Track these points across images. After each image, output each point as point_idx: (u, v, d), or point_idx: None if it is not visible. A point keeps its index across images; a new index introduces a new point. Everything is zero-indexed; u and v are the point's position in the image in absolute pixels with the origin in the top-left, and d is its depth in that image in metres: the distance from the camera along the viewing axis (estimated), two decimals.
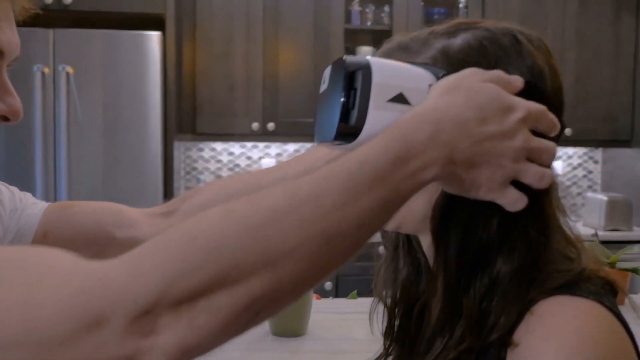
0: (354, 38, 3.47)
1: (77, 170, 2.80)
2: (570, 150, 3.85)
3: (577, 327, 0.56)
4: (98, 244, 0.83)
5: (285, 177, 0.81)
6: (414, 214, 0.66)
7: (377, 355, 0.79)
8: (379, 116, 0.59)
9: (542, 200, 0.63)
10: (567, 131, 3.31)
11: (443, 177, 0.55)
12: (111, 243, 0.83)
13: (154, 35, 2.82)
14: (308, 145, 3.67)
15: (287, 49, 3.32)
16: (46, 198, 2.76)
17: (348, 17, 3.42)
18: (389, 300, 0.76)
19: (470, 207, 0.61)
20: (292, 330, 1.25)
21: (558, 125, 0.59)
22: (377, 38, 3.51)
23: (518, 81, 0.59)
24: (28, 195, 0.84)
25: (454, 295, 0.61)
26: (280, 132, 3.32)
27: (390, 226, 0.69)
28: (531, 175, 0.56)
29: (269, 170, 0.90)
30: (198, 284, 0.45)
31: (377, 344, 0.81)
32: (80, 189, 2.80)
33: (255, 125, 3.29)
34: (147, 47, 2.83)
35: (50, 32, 2.76)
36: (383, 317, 0.78)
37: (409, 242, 0.75)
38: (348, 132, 0.60)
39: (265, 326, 1.27)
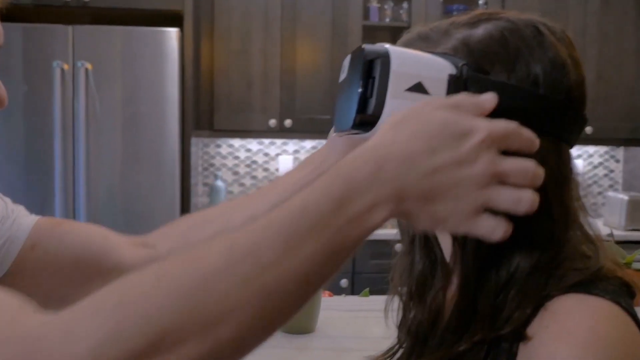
0: (372, 35, 3.45)
1: (95, 166, 2.81)
2: (591, 148, 3.80)
3: (592, 326, 0.55)
4: (82, 266, 0.81)
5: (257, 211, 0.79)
6: None
7: (390, 347, 0.80)
8: (397, 105, 0.59)
9: (564, 197, 0.62)
10: (588, 129, 3.27)
11: (399, 216, 0.52)
12: (95, 266, 0.81)
13: (172, 32, 2.83)
14: (324, 142, 3.65)
15: (305, 46, 3.31)
16: (65, 193, 2.78)
17: (366, 13, 3.40)
18: (404, 293, 0.77)
19: None
20: (300, 327, 1.25)
21: (536, 141, 0.55)
22: (396, 35, 3.47)
23: (489, 101, 0.55)
24: (21, 207, 0.84)
25: (470, 288, 0.61)
26: (297, 129, 3.32)
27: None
28: (504, 201, 0.52)
29: (248, 200, 0.86)
30: (132, 350, 0.43)
31: (385, 342, 0.81)
32: (99, 185, 2.82)
33: (272, 122, 3.29)
34: (165, 43, 2.83)
35: (69, 29, 2.78)
36: (398, 309, 0.78)
37: (426, 236, 0.75)
38: (366, 120, 0.60)
39: None
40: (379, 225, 0.51)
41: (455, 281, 0.64)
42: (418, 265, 0.76)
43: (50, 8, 2.95)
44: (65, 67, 2.77)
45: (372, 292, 1.63)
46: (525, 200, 0.52)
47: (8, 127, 2.78)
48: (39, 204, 2.80)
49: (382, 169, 0.50)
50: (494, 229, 0.52)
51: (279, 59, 3.29)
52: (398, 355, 0.78)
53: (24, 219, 0.82)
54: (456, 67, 0.61)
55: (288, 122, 3.29)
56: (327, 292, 1.61)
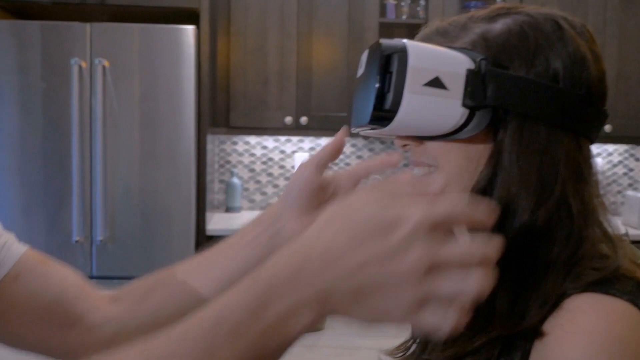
0: (388, 32, 3.44)
1: (112, 162, 2.83)
2: (610, 147, 3.76)
3: (607, 327, 0.55)
4: (54, 310, 0.79)
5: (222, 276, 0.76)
6: None
7: (404, 342, 0.79)
8: (415, 100, 0.59)
9: (583, 192, 0.62)
10: (607, 127, 3.23)
11: (330, 315, 0.49)
12: (64, 313, 0.79)
13: (189, 29, 2.84)
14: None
15: (321, 43, 3.31)
16: (82, 190, 2.80)
17: (383, 10, 3.39)
18: None
19: (509, 196, 0.61)
20: None
21: (492, 217, 0.48)
22: (413, 32, 3.44)
23: (436, 182, 0.48)
24: (12, 235, 0.83)
25: None
26: (313, 126, 3.32)
27: None
28: (447, 291, 0.45)
29: (205, 262, 0.84)
30: None
31: (395, 341, 0.80)
32: (115, 182, 2.84)
33: (288, 119, 3.29)
34: (181, 41, 2.84)
35: (87, 26, 2.80)
36: None
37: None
38: (383, 116, 0.60)
39: None
40: (303, 332, 0.47)
41: None
42: None
43: (69, 6, 2.97)
44: (83, 64, 2.78)
45: None
46: (471, 288, 0.45)
47: (26, 124, 2.81)
48: (57, 201, 2.82)
49: (302, 271, 0.46)
50: (440, 325, 0.46)
51: (295, 56, 3.29)
52: (412, 350, 0.77)
53: (14, 246, 0.80)
54: (474, 61, 0.61)
55: (304, 120, 3.29)
56: None
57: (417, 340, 0.77)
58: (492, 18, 0.65)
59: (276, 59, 3.29)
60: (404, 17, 3.45)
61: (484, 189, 0.63)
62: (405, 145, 0.70)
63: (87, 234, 2.84)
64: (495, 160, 0.62)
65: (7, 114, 2.80)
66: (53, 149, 2.82)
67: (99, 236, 2.83)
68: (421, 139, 0.67)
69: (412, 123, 0.62)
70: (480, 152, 0.63)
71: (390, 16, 3.42)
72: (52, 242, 2.84)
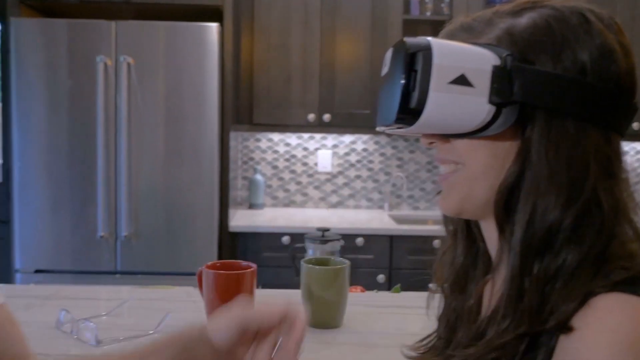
0: (412, 29, 3.41)
1: (136, 159, 2.86)
2: (639, 145, 3.69)
3: (633, 327, 0.54)
4: None
5: None
6: (476, 200, 0.66)
7: (427, 335, 0.80)
8: (440, 98, 0.59)
9: (613, 187, 0.61)
10: (635, 125, 3.17)
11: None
12: None
13: (213, 27, 2.85)
14: (364, 137, 3.65)
15: (344, 40, 3.30)
16: (107, 186, 2.83)
17: (407, 7, 3.37)
18: (445, 286, 0.77)
19: (538, 193, 0.60)
20: (327, 322, 1.25)
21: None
22: (437, 28, 3.41)
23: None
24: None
25: (517, 281, 0.60)
26: (335, 124, 3.31)
27: (451, 212, 0.69)
28: None
29: None
30: None
31: (412, 339, 0.80)
32: (140, 178, 2.86)
33: (311, 117, 3.29)
34: (205, 38, 2.85)
35: (112, 24, 2.82)
36: (439, 302, 0.79)
37: (468, 228, 0.75)
38: (408, 115, 0.60)
39: None
40: None
41: (500, 273, 0.63)
42: (459, 258, 0.76)
43: (95, 4, 3.00)
44: (109, 62, 2.81)
45: (408, 289, 1.61)
46: None
47: (54, 121, 2.84)
48: (82, 197, 2.86)
49: None
50: None
51: (319, 53, 3.29)
52: (434, 343, 0.78)
53: None
54: (500, 57, 0.60)
55: (327, 117, 3.29)
56: (359, 288, 1.60)
57: (441, 336, 0.76)
58: (518, 12, 0.64)
59: (299, 56, 3.29)
60: (428, 13, 3.42)
61: (511, 186, 0.62)
62: (431, 143, 0.69)
63: (111, 230, 2.87)
64: (523, 157, 0.61)
65: (36, 111, 2.84)
66: (79, 146, 2.86)
67: (124, 232, 2.86)
68: (447, 136, 0.66)
69: (438, 121, 0.61)
70: (508, 149, 0.62)
71: (414, 13, 3.40)
72: (78, 238, 2.87)
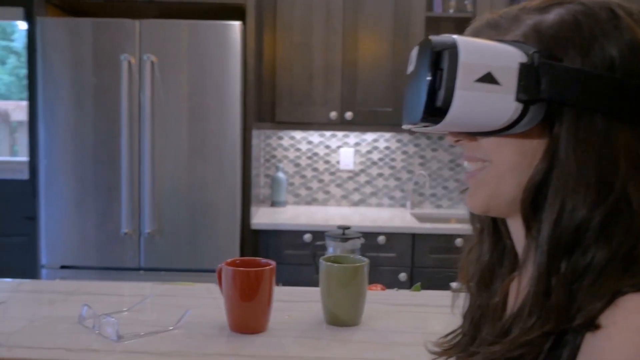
0: (435, 26, 3.39)
1: (160, 156, 2.88)
2: None
3: None
4: None
5: None
6: (503, 197, 0.65)
7: (451, 331, 0.80)
8: (467, 96, 0.58)
9: None
10: None
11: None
12: None
13: (235, 25, 2.86)
14: (386, 134, 3.64)
15: (367, 38, 3.29)
16: (131, 183, 2.86)
17: (429, 4, 3.34)
18: (471, 283, 0.77)
19: (566, 191, 0.59)
20: (345, 320, 1.25)
21: None
22: (460, 26, 3.41)
23: None
24: None
25: (544, 278, 0.60)
26: (357, 122, 3.30)
27: (478, 210, 0.69)
28: None
29: None
30: None
31: (429, 337, 0.80)
32: (163, 176, 2.88)
33: (333, 115, 3.28)
34: (228, 36, 2.87)
35: (136, 23, 2.85)
36: (464, 299, 0.78)
37: (494, 226, 0.75)
38: (434, 113, 0.60)
39: (320, 315, 1.28)
40: None
41: (527, 271, 0.63)
42: (485, 256, 0.75)
43: (120, 3, 3.04)
44: (132, 60, 2.83)
45: (429, 287, 1.60)
46: None
47: (79, 119, 2.88)
48: (107, 194, 2.89)
49: None
50: None
51: (341, 51, 3.28)
52: (458, 340, 0.77)
53: None
54: (527, 54, 0.59)
55: (349, 115, 3.28)
56: (379, 286, 1.59)
57: (466, 333, 0.76)
58: (545, 9, 0.63)
59: (322, 54, 3.29)
60: (451, 11, 3.40)
61: (538, 183, 0.61)
62: (457, 141, 0.69)
63: (135, 227, 2.90)
64: (551, 155, 0.61)
65: (61, 109, 2.88)
66: (103, 144, 2.89)
67: (147, 228, 2.88)
68: (474, 134, 0.66)
69: (464, 119, 0.61)
70: (535, 146, 0.62)
71: (437, 10, 3.38)
72: (102, 234, 2.90)
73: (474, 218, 0.77)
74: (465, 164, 0.70)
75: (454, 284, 1.61)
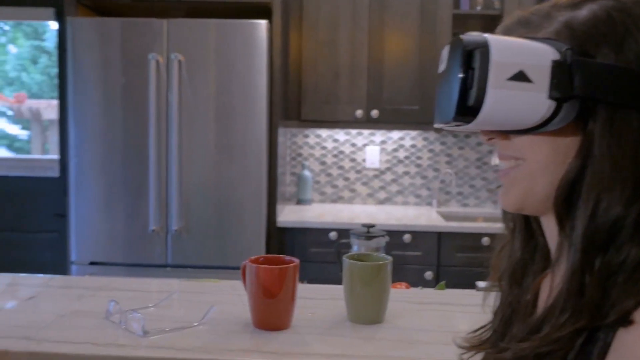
0: (462, 24, 3.36)
1: (187, 154, 2.90)
2: None
3: None
4: None
5: None
6: (537, 195, 0.65)
7: (481, 327, 0.79)
8: (499, 95, 0.59)
9: None
10: None
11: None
12: None
13: (262, 24, 2.87)
14: (412, 133, 3.62)
15: (393, 36, 3.28)
16: (158, 181, 2.89)
17: (456, 1, 3.32)
18: (503, 280, 0.77)
19: (601, 188, 0.59)
20: (369, 318, 1.25)
21: None
22: (488, 23, 3.39)
23: None
24: None
25: (578, 275, 0.59)
26: (383, 120, 3.29)
27: (512, 208, 0.69)
28: None
29: None
30: None
31: (452, 336, 0.80)
32: (190, 173, 2.91)
33: (359, 113, 3.28)
34: (254, 35, 2.88)
35: (164, 22, 2.88)
36: (495, 296, 0.78)
37: (527, 223, 0.75)
38: (467, 112, 0.60)
39: (343, 312, 1.28)
40: None
41: (560, 268, 0.62)
42: (517, 253, 0.75)
43: (148, 3, 3.07)
44: (160, 59, 2.86)
45: (454, 286, 1.59)
46: None
47: (108, 118, 2.92)
48: (135, 192, 2.92)
49: None
50: None
51: (367, 49, 3.27)
52: (488, 336, 0.77)
53: None
54: (559, 52, 0.59)
55: (374, 113, 3.27)
56: (404, 284, 1.59)
57: (496, 330, 0.76)
58: (577, 5, 0.63)
59: (348, 52, 3.28)
60: (479, 8, 3.36)
61: (572, 181, 0.61)
62: (490, 139, 0.69)
63: (162, 224, 2.93)
64: (585, 152, 0.60)
65: (91, 107, 2.92)
66: (132, 142, 2.92)
67: (174, 226, 2.91)
68: (507, 132, 0.66)
69: (496, 118, 0.61)
70: (569, 144, 0.61)
71: (464, 7, 3.35)
72: (130, 231, 2.94)
73: (506, 216, 0.77)
74: (499, 162, 0.69)
75: (480, 283, 1.60)
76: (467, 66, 0.59)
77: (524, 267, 0.75)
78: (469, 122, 0.61)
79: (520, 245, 0.75)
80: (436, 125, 0.69)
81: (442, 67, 0.66)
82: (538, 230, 0.73)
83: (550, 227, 0.68)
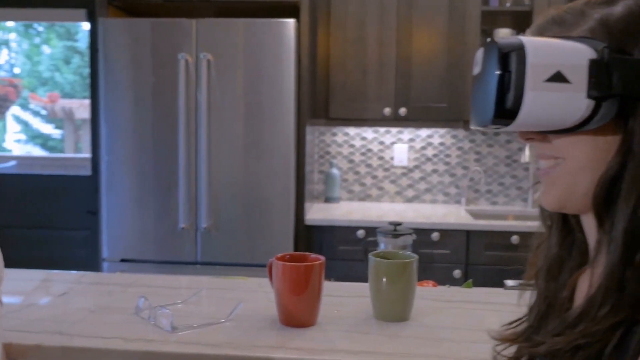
0: (491, 20, 3.33)
1: (216, 153, 2.93)
2: None
3: None
4: None
5: None
6: (578, 194, 0.65)
7: (515, 319, 0.80)
8: (537, 97, 0.59)
9: None
10: None
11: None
12: None
13: (290, 23, 2.88)
14: (441, 130, 3.60)
15: (421, 33, 3.26)
16: (188, 180, 2.93)
17: None
18: (540, 275, 0.77)
19: None
20: (394, 316, 1.25)
21: None
22: (517, 20, 3.35)
23: None
24: None
25: (617, 271, 0.59)
26: (411, 117, 3.28)
27: (553, 207, 0.69)
28: None
29: None
30: None
31: (479, 335, 0.79)
32: (219, 171, 2.94)
33: (387, 111, 3.27)
34: (282, 34, 2.89)
35: (193, 22, 2.90)
36: (531, 291, 0.79)
37: (564, 220, 0.75)
38: (505, 115, 0.60)
39: (369, 310, 1.28)
40: None
41: (599, 264, 0.62)
42: (554, 248, 0.75)
43: (177, 3, 3.10)
44: (189, 59, 2.89)
45: (483, 284, 1.58)
46: None
47: (138, 117, 2.96)
48: (165, 190, 2.96)
49: None
50: None
51: (395, 46, 3.26)
52: (522, 329, 0.77)
53: None
54: (596, 50, 0.59)
55: (403, 111, 3.26)
56: (431, 282, 1.58)
57: (532, 324, 0.76)
58: (611, 1, 0.62)
59: (375, 50, 3.28)
60: (508, 4, 3.32)
61: (612, 178, 0.61)
62: (529, 139, 0.69)
63: (192, 222, 2.96)
64: (625, 149, 0.60)
65: (122, 107, 2.96)
66: (162, 141, 2.96)
67: (203, 224, 2.94)
68: (546, 133, 0.66)
69: (535, 120, 0.61)
70: (609, 142, 0.61)
71: (494, 4, 3.31)
72: (160, 229, 2.98)
73: (544, 213, 0.77)
74: (538, 161, 0.69)
75: (508, 282, 1.59)
76: (504, 69, 0.59)
77: (561, 263, 0.75)
78: (507, 124, 0.61)
79: (557, 241, 0.75)
80: (472, 127, 0.69)
81: (476, 69, 0.66)
82: (576, 226, 0.73)
83: (589, 224, 0.68)
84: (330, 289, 1.37)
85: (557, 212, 0.72)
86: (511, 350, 0.76)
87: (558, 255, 0.75)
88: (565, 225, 0.75)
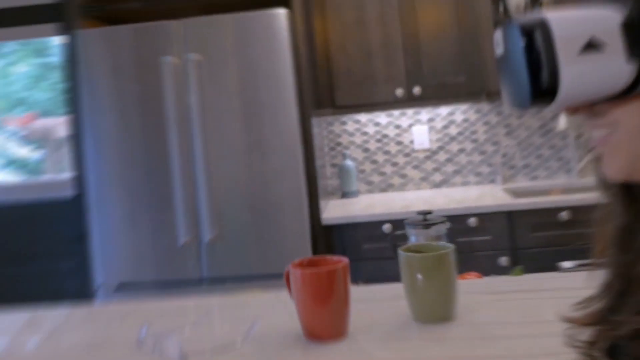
0: None
1: (214, 158, 2.90)
2: None
3: None
4: None
5: None
6: None
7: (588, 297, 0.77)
8: (573, 71, 0.59)
9: None
10: None
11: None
12: None
13: (281, 13, 2.87)
14: (462, 106, 3.55)
15: (426, 6, 3.24)
16: (185, 190, 2.88)
17: None
18: (611, 250, 0.74)
19: None
20: (436, 316, 1.19)
21: None
22: None
23: None
24: None
25: None
26: (427, 96, 3.24)
27: (620, 176, 0.67)
28: None
29: None
30: None
31: (537, 327, 0.73)
32: (219, 177, 2.91)
33: (399, 92, 3.24)
34: (274, 25, 2.88)
35: (178, 23, 2.92)
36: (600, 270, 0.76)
37: (628, 189, 0.73)
38: (543, 95, 0.61)
39: (407, 312, 1.24)
40: None
41: None
42: (620, 218, 0.73)
43: (158, 6, 3.09)
44: (175, 61, 2.87)
45: (535, 270, 1.52)
46: None
47: (124, 128, 2.94)
48: (160, 204, 2.92)
49: None
50: None
51: (399, 23, 3.25)
52: (597, 310, 0.74)
53: None
54: (623, 12, 0.59)
55: (417, 90, 3.22)
56: (474, 274, 1.52)
57: (607, 305, 0.73)
58: None
59: (378, 30, 3.26)
60: None
61: None
62: (575, 111, 0.68)
63: (194, 235, 2.92)
64: None
65: (107, 119, 2.94)
66: (153, 151, 2.93)
67: (207, 236, 2.90)
68: (593, 105, 0.65)
69: (577, 94, 0.61)
70: None
71: None
72: (158, 247, 2.94)
73: (605, 185, 0.75)
74: (591, 131, 0.68)
75: (564, 264, 1.52)
76: (531, 49, 0.59)
77: (632, 231, 0.71)
78: (549, 103, 0.61)
79: (621, 210, 0.73)
80: (511, 108, 0.67)
81: (499, 50, 0.67)
82: None
83: None
84: (359, 293, 1.32)
85: (624, 181, 0.70)
86: (586, 334, 0.72)
87: (627, 224, 0.72)
88: (628, 192, 0.73)
